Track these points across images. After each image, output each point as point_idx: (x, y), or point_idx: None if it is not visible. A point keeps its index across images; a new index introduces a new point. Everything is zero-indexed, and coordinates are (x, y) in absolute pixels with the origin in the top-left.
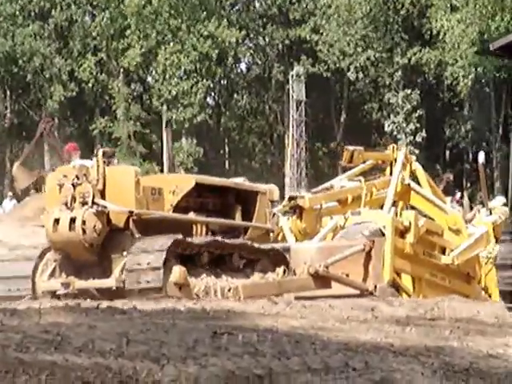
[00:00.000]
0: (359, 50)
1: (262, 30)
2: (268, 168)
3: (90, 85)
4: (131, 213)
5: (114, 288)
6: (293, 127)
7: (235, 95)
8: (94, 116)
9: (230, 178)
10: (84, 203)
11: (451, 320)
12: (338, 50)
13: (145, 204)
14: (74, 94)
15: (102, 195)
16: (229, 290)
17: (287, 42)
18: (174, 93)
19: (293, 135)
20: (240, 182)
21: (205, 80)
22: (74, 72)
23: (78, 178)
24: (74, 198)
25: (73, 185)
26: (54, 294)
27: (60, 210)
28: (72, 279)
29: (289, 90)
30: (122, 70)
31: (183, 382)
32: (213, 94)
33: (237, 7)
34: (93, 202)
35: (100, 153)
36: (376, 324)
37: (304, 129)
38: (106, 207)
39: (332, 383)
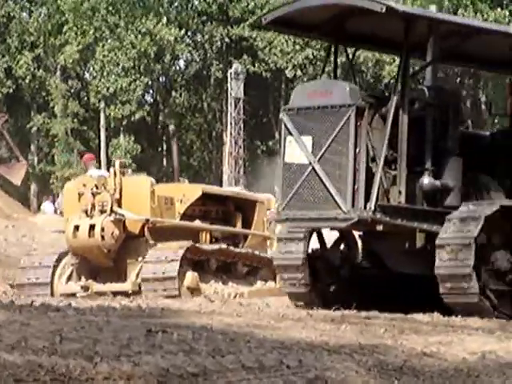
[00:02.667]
0: (297, 48)
1: (201, 27)
2: (207, 165)
3: (27, 81)
4: (147, 221)
5: (130, 291)
6: (231, 125)
7: (174, 93)
8: (31, 112)
9: (229, 188)
10: (103, 211)
11: (386, 318)
12: (277, 49)
13: (159, 212)
14: (11, 90)
15: (119, 204)
16: (235, 297)
17: (227, 39)
18: (112, 90)
19: (231, 133)
20: (240, 191)
21: (143, 77)
22: (11, 68)
23: (97, 188)
24: (93, 206)
25: (92, 194)
26: (70, 296)
27: (80, 218)
28: (90, 283)
29: (227, 87)
30: (59, 66)
31: (117, 380)
32: (151, 91)
33: (175, 4)
34: (111, 211)
35: (117, 163)
36: (311, 322)
37: (242, 127)
38: (123, 215)
39: (266, 381)
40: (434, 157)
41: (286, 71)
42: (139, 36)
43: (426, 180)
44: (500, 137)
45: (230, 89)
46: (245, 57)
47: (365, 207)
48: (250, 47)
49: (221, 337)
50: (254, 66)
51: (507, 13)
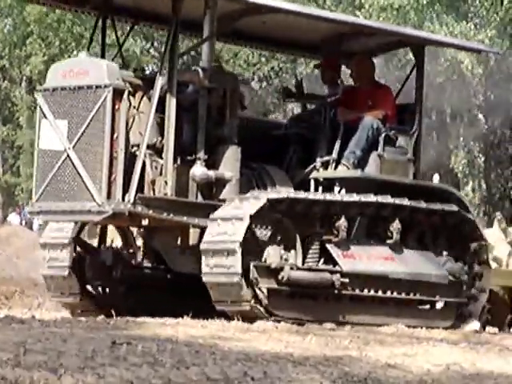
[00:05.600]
0: (263, 60)
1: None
2: None
3: None
4: None
5: None
6: None
7: None
8: None
9: None
10: None
11: (351, 330)
12: (241, 60)
13: None
14: None
15: None
16: None
17: (192, 52)
18: None
19: None
20: None
21: None
22: None
23: None
24: None
25: None
26: None
27: None
28: None
29: None
30: (24, 77)
31: None
32: None
33: None
34: None
35: None
36: (276, 334)
37: None
38: None
39: None
40: (208, 145)
41: (252, 83)
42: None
43: (198, 170)
44: (291, 125)
45: None
46: None
47: (123, 199)
48: (215, 59)
49: (185, 349)
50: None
51: (472, 26)
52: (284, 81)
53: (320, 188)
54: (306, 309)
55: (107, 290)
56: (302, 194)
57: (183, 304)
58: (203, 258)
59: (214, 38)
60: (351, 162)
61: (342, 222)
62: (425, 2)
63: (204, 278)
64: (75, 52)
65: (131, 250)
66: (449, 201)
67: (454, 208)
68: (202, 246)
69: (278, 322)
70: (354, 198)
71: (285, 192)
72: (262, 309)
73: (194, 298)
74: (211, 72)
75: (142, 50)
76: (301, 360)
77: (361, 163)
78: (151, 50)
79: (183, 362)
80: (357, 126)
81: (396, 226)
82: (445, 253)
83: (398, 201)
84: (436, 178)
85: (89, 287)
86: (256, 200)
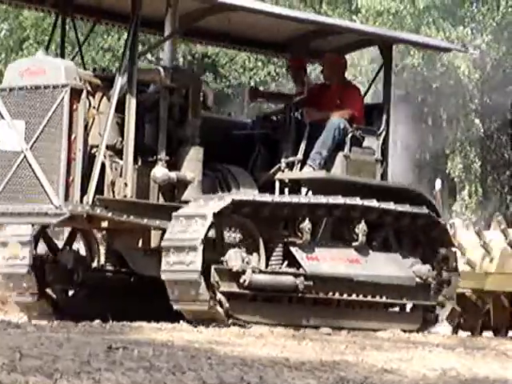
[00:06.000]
0: (260, 64)
1: (162, 44)
2: None
3: None
4: None
5: None
6: None
7: None
8: None
9: None
10: None
11: (347, 335)
12: (238, 65)
13: None
14: None
15: None
16: None
17: (189, 57)
18: None
19: None
20: None
21: None
22: None
23: None
24: None
25: None
26: None
27: None
28: None
29: None
30: None
31: None
32: None
33: None
34: None
35: None
36: (272, 338)
37: None
38: None
39: None
40: (170, 146)
41: (247, 88)
42: (100, 52)
43: (159, 171)
44: (256, 125)
45: None
46: (207, 73)
47: (81, 201)
48: (212, 64)
49: (181, 353)
50: (216, 83)
51: (469, 31)
52: (280, 85)
53: (286, 190)
54: (269, 312)
55: (69, 293)
56: (266, 197)
57: (147, 307)
58: (163, 254)
59: (176, 36)
60: (317, 163)
61: (306, 225)
62: (421, 7)
63: (163, 276)
64: (71, 56)
65: (94, 253)
66: (418, 203)
67: (423, 210)
68: (164, 243)
69: (240, 326)
70: (317, 199)
71: (250, 194)
72: (221, 312)
73: (157, 301)
74: (173, 71)
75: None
76: (297, 365)
77: (327, 164)
78: (148, 55)
79: (179, 366)
80: (323, 126)
81: (362, 228)
82: (412, 255)
83: (363, 202)
84: (438, 183)
85: (49, 290)
86: (220, 200)
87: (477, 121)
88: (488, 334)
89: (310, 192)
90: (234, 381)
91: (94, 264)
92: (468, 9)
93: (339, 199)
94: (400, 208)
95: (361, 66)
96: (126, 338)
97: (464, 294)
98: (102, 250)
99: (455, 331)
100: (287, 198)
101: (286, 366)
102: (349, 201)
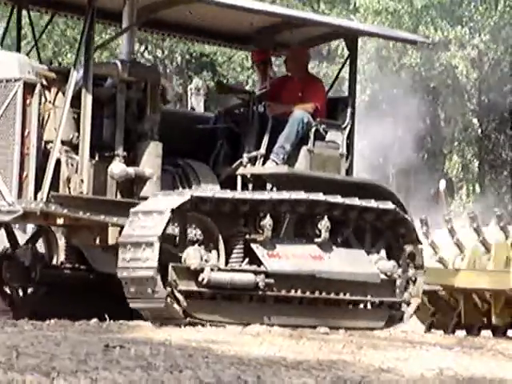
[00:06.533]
0: None
1: (160, 43)
2: None
3: None
4: None
5: None
6: None
7: None
8: None
9: None
10: None
11: (345, 334)
12: (236, 64)
13: None
14: None
15: None
16: None
17: (187, 56)
18: None
19: None
20: None
21: None
22: None
23: None
24: None
25: None
26: None
27: None
28: None
29: (188, 103)
30: None
31: None
32: None
33: None
34: None
35: None
36: (269, 338)
37: None
38: None
39: None
40: (128, 141)
41: (247, 87)
42: (98, 50)
43: (116, 167)
44: (219, 119)
45: (190, 104)
46: (204, 73)
47: (35, 198)
48: (210, 63)
49: (179, 352)
50: (213, 82)
51: (467, 30)
52: None
53: (251, 185)
54: (229, 311)
55: (27, 291)
56: (226, 193)
57: (106, 305)
58: (120, 251)
59: (135, 28)
60: (280, 158)
61: (267, 221)
62: (419, 7)
63: (118, 273)
64: (69, 55)
65: (53, 250)
66: (385, 198)
67: (390, 206)
68: (120, 239)
69: (199, 325)
70: (278, 195)
71: (209, 190)
72: (179, 310)
73: (117, 299)
74: (130, 65)
75: (137, 53)
76: (294, 364)
77: (291, 159)
78: (145, 54)
79: (176, 365)
80: (286, 120)
81: (325, 224)
82: (377, 251)
83: (325, 198)
84: (443, 184)
85: (6, 289)
86: (179, 196)
87: (475, 120)
88: (461, 331)
89: (274, 187)
90: (231, 380)
91: (54, 261)
92: (466, 8)
93: (301, 195)
94: (364, 204)
95: (358, 64)
96: (123, 337)
97: (436, 291)
98: (62, 246)
99: (428, 329)
100: (247, 194)
101: (283, 365)
102: (311, 196)
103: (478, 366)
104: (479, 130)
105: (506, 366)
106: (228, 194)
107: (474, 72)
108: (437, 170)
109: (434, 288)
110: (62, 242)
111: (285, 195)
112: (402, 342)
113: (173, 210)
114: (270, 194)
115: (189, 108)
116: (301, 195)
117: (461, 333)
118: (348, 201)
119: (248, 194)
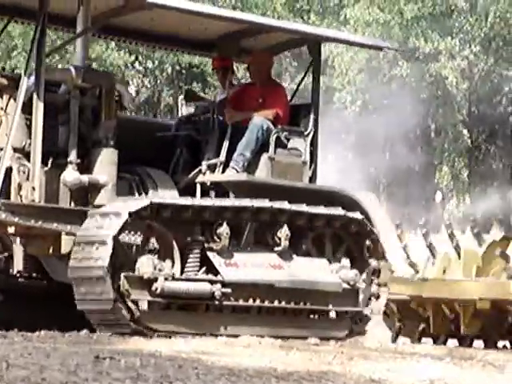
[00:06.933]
0: (248, 74)
1: (151, 54)
2: None
3: None
4: None
5: None
6: None
7: None
8: None
9: None
10: None
11: (335, 345)
12: None
13: None
14: None
15: None
16: None
17: (177, 67)
18: None
19: None
20: None
21: None
22: None
23: None
24: None
25: None
26: None
27: None
28: None
29: (178, 113)
30: None
31: None
32: None
33: None
34: None
35: None
36: (260, 348)
37: None
38: None
39: None
40: (83, 148)
41: None
42: (87, 61)
43: (69, 175)
44: (180, 126)
45: (180, 114)
46: (195, 83)
47: None
48: (201, 73)
49: (169, 363)
50: (204, 92)
51: (457, 42)
52: None
53: (213, 193)
54: (185, 321)
55: None
56: (183, 200)
57: (65, 314)
58: (73, 251)
59: (89, 34)
60: (240, 165)
61: (224, 229)
62: (410, 18)
63: (69, 273)
64: (60, 66)
65: (11, 259)
66: (350, 207)
67: (358, 216)
68: (76, 239)
69: (151, 336)
70: (234, 202)
71: (167, 197)
72: (126, 316)
73: (75, 308)
74: (84, 71)
75: (126, 63)
76: (284, 375)
77: (251, 166)
78: (136, 64)
79: (166, 376)
80: (246, 127)
81: (284, 232)
82: (339, 260)
83: (284, 206)
84: (439, 196)
85: None
86: (139, 201)
87: (465, 131)
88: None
89: (233, 196)
90: None
91: (12, 270)
92: (456, 19)
93: (260, 202)
94: (320, 211)
95: (349, 75)
96: (114, 348)
97: (402, 300)
98: (20, 255)
99: (395, 338)
100: (203, 201)
101: (273, 376)
102: (269, 204)
103: (468, 377)
104: (469, 141)
105: (496, 376)
106: (184, 201)
107: (464, 83)
108: (427, 180)
109: (403, 298)
110: (20, 251)
111: (242, 202)
112: (392, 353)
113: (130, 214)
114: (226, 202)
115: None
116: (259, 203)
117: (451, 343)
118: (308, 209)
119: (204, 202)
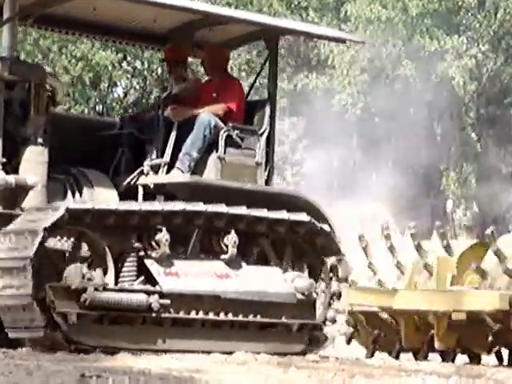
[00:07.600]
0: (243, 74)
1: (140, 53)
2: None
3: None
4: None
5: None
6: None
7: None
8: None
9: None
10: None
11: (336, 362)
12: None
13: None
14: None
15: None
16: None
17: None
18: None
19: None
20: None
21: (78, 105)
22: None
23: None
24: None
25: None
26: None
27: None
28: None
29: None
30: None
31: None
32: None
33: None
34: None
35: None
36: (256, 366)
37: None
38: None
39: None
40: (11, 146)
41: None
42: (73, 61)
43: None
44: (123, 124)
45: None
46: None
47: None
48: (192, 73)
49: (159, 382)
50: None
51: (465, 40)
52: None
53: (162, 196)
54: (120, 335)
55: None
56: (108, 204)
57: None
58: None
59: (16, 22)
60: (186, 166)
61: (163, 236)
62: (414, 15)
63: None
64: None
65: None
66: (303, 210)
67: (305, 218)
68: None
69: (81, 351)
70: (171, 206)
71: (89, 202)
72: (60, 336)
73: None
74: (11, 62)
75: (113, 63)
76: None
77: (199, 167)
78: (123, 64)
79: None
80: (193, 125)
81: (232, 238)
82: (294, 268)
83: (231, 210)
84: (450, 204)
85: None
86: (54, 211)
87: (473, 135)
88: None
89: (179, 199)
90: None
91: None
92: (464, 16)
93: (199, 206)
94: (276, 215)
95: (349, 76)
96: (101, 366)
97: (378, 314)
98: None
99: (371, 354)
100: (134, 205)
101: None
102: (211, 208)
103: None
104: (478, 145)
105: None
106: (110, 205)
107: (472, 84)
108: (433, 186)
109: (374, 309)
110: None
111: (178, 206)
112: (396, 371)
113: (46, 229)
114: (163, 206)
115: None
116: (199, 207)
117: (460, 360)
118: (255, 212)
119: (136, 206)
